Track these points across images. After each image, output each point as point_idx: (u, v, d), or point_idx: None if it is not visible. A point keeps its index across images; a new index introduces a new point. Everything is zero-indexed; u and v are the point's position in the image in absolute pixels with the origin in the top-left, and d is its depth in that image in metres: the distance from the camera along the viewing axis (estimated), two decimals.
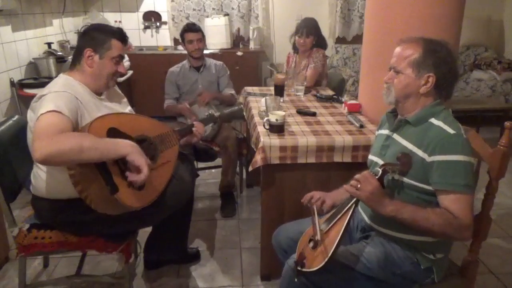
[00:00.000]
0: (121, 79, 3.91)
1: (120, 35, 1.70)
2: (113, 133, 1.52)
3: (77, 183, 1.41)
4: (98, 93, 1.70)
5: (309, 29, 2.94)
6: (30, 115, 1.55)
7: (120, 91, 1.91)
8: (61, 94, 1.50)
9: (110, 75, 1.68)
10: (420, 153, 1.32)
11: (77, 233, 1.67)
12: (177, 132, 1.83)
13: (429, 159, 1.29)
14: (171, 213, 1.81)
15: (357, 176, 1.29)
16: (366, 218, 1.50)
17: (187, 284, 2.10)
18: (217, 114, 2.15)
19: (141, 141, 1.63)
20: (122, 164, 1.49)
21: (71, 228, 1.66)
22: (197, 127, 1.97)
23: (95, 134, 1.44)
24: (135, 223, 1.75)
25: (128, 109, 1.86)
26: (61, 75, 1.66)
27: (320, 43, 3.03)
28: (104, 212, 1.50)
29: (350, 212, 1.30)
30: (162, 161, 1.69)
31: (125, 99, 1.90)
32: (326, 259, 1.25)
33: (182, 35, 2.94)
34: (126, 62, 4.20)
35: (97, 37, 1.65)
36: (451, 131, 1.29)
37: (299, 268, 1.34)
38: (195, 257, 2.29)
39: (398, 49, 1.42)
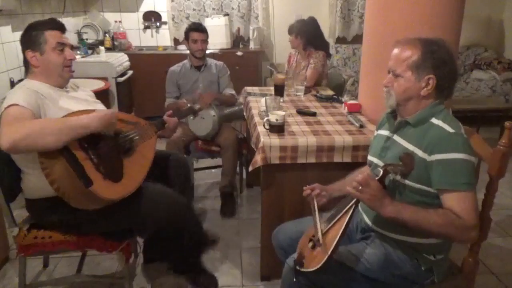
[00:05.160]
0: (121, 79, 3.89)
1: (52, 24, 1.69)
2: None
3: (52, 181, 1.43)
4: (61, 87, 1.71)
5: (297, 30, 2.97)
6: None
7: (88, 89, 1.96)
8: (19, 90, 1.54)
9: (59, 65, 1.68)
10: (420, 153, 1.31)
11: (73, 231, 1.67)
12: (153, 124, 1.84)
13: (429, 158, 1.28)
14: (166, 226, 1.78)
15: (358, 177, 1.26)
16: (366, 220, 1.49)
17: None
18: (197, 107, 2.18)
19: (116, 135, 1.64)
20: (95, 157, 1.50)
21: (67, 226, 1.66)
22: (168, 122, 1.94)
23: None
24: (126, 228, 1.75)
25: (98, 106, 1.85)
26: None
27: (316, 44, 3.02)
28: (84, 208, 1.51)
29: (350, 213, 1.29)
30: (139, 153, 1.70)
31: (93, 94, 1.93)
32: (325, 260, 1.24)
33: (187, 33, 2.91)
34: (125, 62, 4.19)
35: (31, 35, 1.65)
36: (451, 129, 1.28)
37: (297, 268, 1.33)
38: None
39: (395, 51, 1.38)
